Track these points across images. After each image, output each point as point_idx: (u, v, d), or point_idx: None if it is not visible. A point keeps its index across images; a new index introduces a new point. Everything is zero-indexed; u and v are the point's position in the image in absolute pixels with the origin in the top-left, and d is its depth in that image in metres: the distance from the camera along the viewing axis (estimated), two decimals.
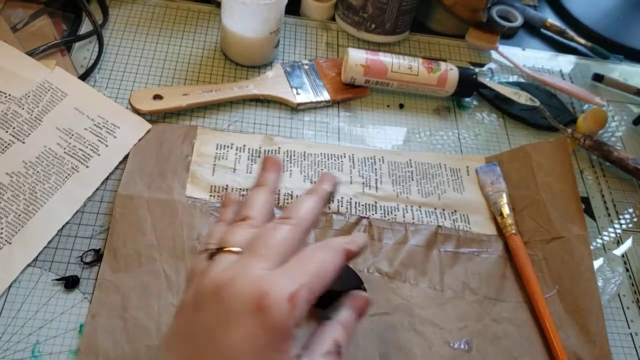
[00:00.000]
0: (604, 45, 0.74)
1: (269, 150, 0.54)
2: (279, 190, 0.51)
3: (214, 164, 0.52)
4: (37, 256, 0.45)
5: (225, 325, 0.29)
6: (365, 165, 0.55)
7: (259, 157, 0.54)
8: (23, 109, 0.51)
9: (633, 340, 0.50)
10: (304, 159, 0.54)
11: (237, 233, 0.35)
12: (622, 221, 0.58)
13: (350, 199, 0.52)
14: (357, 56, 0.60)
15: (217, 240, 0.35)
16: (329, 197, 0.38)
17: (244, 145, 0.54)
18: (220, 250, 0.34)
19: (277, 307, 0.29)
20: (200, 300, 0.31)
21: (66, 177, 0.49)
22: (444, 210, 0.53)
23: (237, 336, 0.29)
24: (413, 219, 0.52)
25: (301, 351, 0.32)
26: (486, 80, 0.64)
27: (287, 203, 0.51)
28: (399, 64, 0.61)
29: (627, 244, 0.56)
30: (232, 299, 0.30)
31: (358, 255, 0.36)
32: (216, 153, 0.53)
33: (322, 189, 0.38)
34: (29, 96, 0.52)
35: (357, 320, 0.36)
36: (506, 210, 0.53)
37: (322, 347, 0.32)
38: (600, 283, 0.52)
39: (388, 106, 0.62)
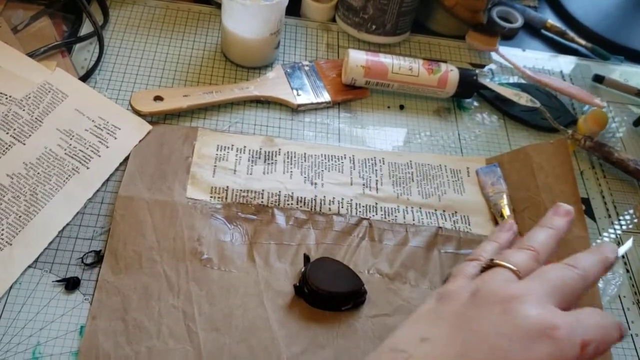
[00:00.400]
0: (605, 46, 0.74)
1: (269, 152, 0.54)
2: (280, 192, 0.51)
3: (215, 165, 0.52)
4: (38, 257, 0.45)
5: (509, 335, 0.30)
6: (366, 167, 0.55)
7: (259, 158, 0.54)
8: (24, 110, 0.51)
9: (634, 342, 0.50)
10: (305, 160, 0.54)
11: (519, 256, 0.36)
12: (623, 222, 0.58)
13: (351, 200, 0.52)
14: (357, 57, 0.60)
15: (493, 255, 0.37)
16: (610, 266, 0.37)
17: (245, 147, 0.54)
18: (499, 265, 0.35)
19: (568, 344, 0.30)
20: (481, 301, 0.32)
21: (67, 178, 0.49)
22: (444, 211, 0.53)
23: (531, 355, 0.30)
24: (413, 220, 0.52)
25: None
26: (486, 82, 0.64)
27: (288, 204, 0.51)
28: (399, 65, 0.61)
29: (628, 245, 0.56)
30: (520, 314, 0.31)
31: None
32: (217, 154, 0.53)
33: (608, 256, 0.37)
34: (29, 97, 0.52)
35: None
36: (506, 211, 0.53)
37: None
38: (600, 284, 0.52)
39: (388, 107, 0.62)
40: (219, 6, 0.65)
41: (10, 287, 0.43)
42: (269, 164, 0.53)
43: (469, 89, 0.63)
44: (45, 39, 0.58)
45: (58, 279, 0.44)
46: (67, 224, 0.47)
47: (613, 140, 0.65)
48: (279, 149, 0.55)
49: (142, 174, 0.50)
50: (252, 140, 0.55)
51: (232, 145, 0.54)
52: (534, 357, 0.29)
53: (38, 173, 0.48)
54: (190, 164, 0.52)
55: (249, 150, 0.54)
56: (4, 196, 0.46)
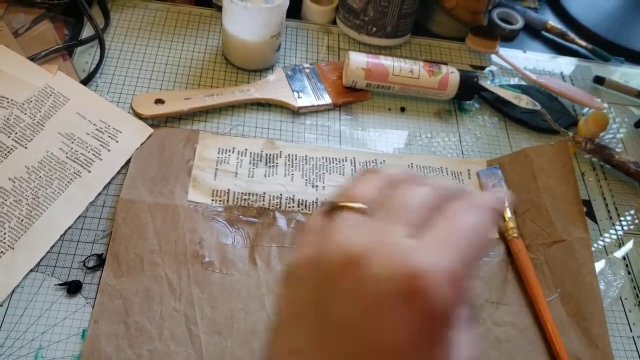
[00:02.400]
0: (605, 48, 0.74)
1: (270, 154, 0.54)
2: (281, 195, 0.51)
3: (216, 169, 0.52)
4: (40, 261, 0.45)
5: (369, 312, 0.23)
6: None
7: (260, 161, 0.54)
8: (25, 114, 0.51)
9: (635, 344, 0.50)
10: (306, 163, 0.55)
11: (362, 186, 0.28)
12: (624, 224, 0.58)
13: None
14: (358, 60, 0.60)
15: (338, 197, 0.28)
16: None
17: (246, 150, 0.54)
18: (341, 207, 0.26)
19: (436, 293, 0.23)
20: (328, 273, 0.24)
21: (69, 182, 0.49)
22: None
23: (387, 326, 0.23)
24: None
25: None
26: (487, 84, 0.64)
27: (289, 207, 0.51)
28: (400, 67, 0.61)
29: (629, 246, 0.56)
30: (374, 278, 0.23)
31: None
32: (218, 157, 0.53)
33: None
34: (31, 101, 0.52)
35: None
36: (508, 213, 0.53)
37: None
38: (602, 286, 0.52)
39: (389, 110, 0.62)
40: (220, 9, 0.65)
41: (13, 292, 0.43)
42: (270, 167, 0.54)
43: (470, 91, 0.63)
44: (46, 42, 0.58)
45: (60, 282, 0.44)
46: (69, 228, 0.47)
47: (614, 142, 0.65)
48: (281, 152, 0.55)
49: (144, 177, 0.50)
50: (253, 143, 0.55)
51: (234, 149, 0.54)
52: (390, 326, 0.23)
53: (40, 177, 0.48)
54: (192, 168, 0.52)
55: (251, 153, 0.54)
56: (6, 200, 0.46)
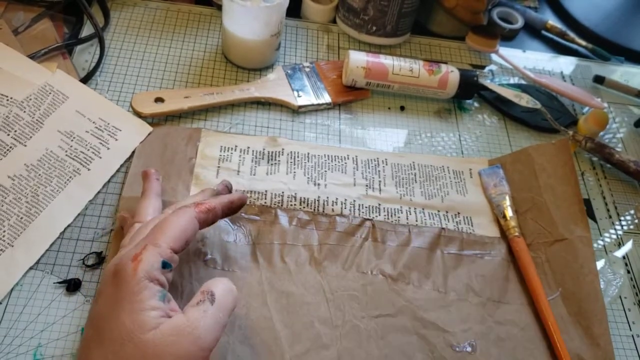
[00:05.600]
0: (605, 47, 0.74)
1: (272, 152, 0.54)
2: (283, 192, 0.51)
3: (218, 167, 0.52)
4: (39, 259, 0.45)
5: (95, 300, 0.36)
6: (369, 167, 0.55)
7: (262, 158, 0.54)
8: (25, 112, 0.51)
9: (635, 342, 0.50)
10: (308, 161, 0.54)
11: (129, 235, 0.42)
12: (624, 223, 0.58)
13: (354, 200, 0.52)
14: (358, 58, 0.60)
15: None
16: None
17: (248, 147, 0.54)
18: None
19: (123, 268, 0.34)
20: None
21: (68, 179, 0.49)
22: (447, 212, 0.54)
23: (100, 302, 0.35)
24: (416, 221, 0.52)
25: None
26: (487, 82, 0.64)
27: (291, 205, 0.51)
28: (399, 66, 0.61)
29: (628, 245, 0.56)
30: (102, 279, 0.38)
31: (224, 213, 0.43)
32: (220, 155, 0.53)
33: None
34: (30, 99, 0.52)
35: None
36: (509, 212, 0.53)
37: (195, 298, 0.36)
38: (602, 285, 0.52)
39: (389, 108, 0.62)
40: (219, 8, 0.65)
41: (12, 289, 0.43)
42: (272, 164, 0.54)
43: (470, 90, 0.63)
44: (46, 40, 0.58)
45: (59, 280, 0.44)
46: (68, 226, 0.47)
47: (614, 141, 0.65)
48: (282, 149, 0.55)
49: None
50: (255, 141, 0.55)
51: (236, 146, 0.54)
52: (102, 301, 0.35)
53: (39, 175, 0.48)
54: (194, 165, 0.52)
55: (253, 151, 0.54)
56: (5, 198, 0.46)
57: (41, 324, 0.42)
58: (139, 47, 0.61)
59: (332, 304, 0.46)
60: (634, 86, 0.70)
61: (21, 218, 0.46)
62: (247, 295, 0.45)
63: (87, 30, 0.61)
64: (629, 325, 0.51)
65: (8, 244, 0.45)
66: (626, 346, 0.49)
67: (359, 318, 0.45)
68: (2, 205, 0.46)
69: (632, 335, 0.50)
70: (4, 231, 0.45)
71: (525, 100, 0.63)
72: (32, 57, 0.55)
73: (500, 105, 0.64)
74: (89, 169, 0.50)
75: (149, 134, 0.53)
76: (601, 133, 0.64)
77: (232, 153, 0.54)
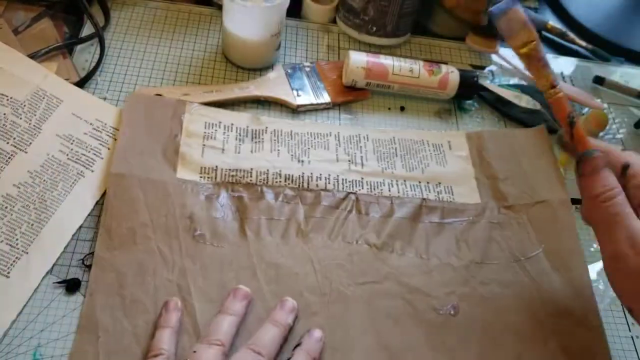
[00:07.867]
0: (605, 48, 0.74)
1: (256, 130, 0.55)
2: (267, 170, 0.52)
3: (203, 145, 0.53)
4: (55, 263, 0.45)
5: None
6: (351, 143, 0.56)
7: (246, 136, 0.54)
8: (21, 118, 0.50)
9: (634, 344, 0.50)
10: (291, 138, 0.55)
11: (207, 354, 0.39)
12: None
13: (337, 176, 0.53)
14: (358, 59, 0.60)
15: (182, 356, 0.40)
16: (289, 330, 0.43)
17: (232, 124, 0.55)
18: None
19: None
20: None
21: (73, 182, 0.49)
22: (428, 183, 0.55)
23: None
24: (398, 192, 0.53)
25: None
26: (487, 83, 0.64)
27: (276, 182, 0.52)
28: (400, 66, 0.61)
29: None
30: None
31: None
32: (205, 132, 0.54)
33: (286, 322, 0.43)
34: (24, 105, 0.51)
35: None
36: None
37: None
38: (601, 286, 0.52)
39: (389, 109, 0.62)
40: (219, 8, 0.65)
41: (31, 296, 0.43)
42: (256, 142, 0.54)
43: (470, 90, 0.63)
44: (46, 40, 0.58)
45: (59, 280, 0.44)
46: (80, 227, 0.47)
47: (613, 141, 0.65)
48: (266, 127, 0.56)
49: (133, 150, 0.51)
50: (239, 118, 0.56)
51: (220, 122, 0.55)
52: None
53: (44, 180, 0.48)
54: (179, 144, 0.52)
55: (237, 128, 0.55)
56: (13, 206, 0.46)
57: (41, 324, 0.42)
58: (139, 47, 0.61)
59: (319, 273, 0.47)
60: (634, 87, 0.70)
61: (32, 225, 0.46)
62: (236, 269, 0.46)
63: (87, 29, 0.61)
64: (628, 327, 0.51)
65: (23, 251, 0.44)
66: (625, 347, 0.49)
67: (346, 285, 0.47)
68: (12, 214, 0.46)
69: (632, 337, 0.50)
70: (17, 239, 0.45)
71: (525, 101, 0.63)
72: (32, 56, 0.55)
73: (500, 106, 0.64)
74: (92, 171, 0.50)
75: (132, 99, 0.54)
76: (601, 134, 0.64)
77: (216, 130, 0.54)
